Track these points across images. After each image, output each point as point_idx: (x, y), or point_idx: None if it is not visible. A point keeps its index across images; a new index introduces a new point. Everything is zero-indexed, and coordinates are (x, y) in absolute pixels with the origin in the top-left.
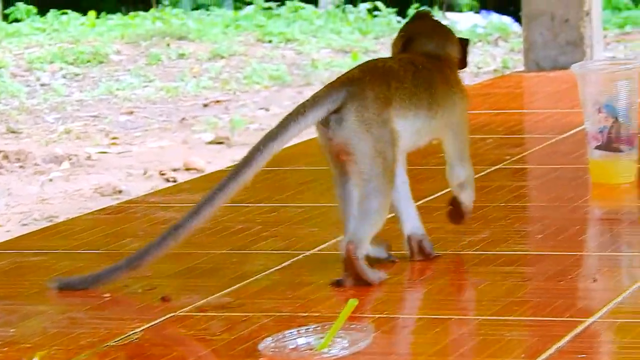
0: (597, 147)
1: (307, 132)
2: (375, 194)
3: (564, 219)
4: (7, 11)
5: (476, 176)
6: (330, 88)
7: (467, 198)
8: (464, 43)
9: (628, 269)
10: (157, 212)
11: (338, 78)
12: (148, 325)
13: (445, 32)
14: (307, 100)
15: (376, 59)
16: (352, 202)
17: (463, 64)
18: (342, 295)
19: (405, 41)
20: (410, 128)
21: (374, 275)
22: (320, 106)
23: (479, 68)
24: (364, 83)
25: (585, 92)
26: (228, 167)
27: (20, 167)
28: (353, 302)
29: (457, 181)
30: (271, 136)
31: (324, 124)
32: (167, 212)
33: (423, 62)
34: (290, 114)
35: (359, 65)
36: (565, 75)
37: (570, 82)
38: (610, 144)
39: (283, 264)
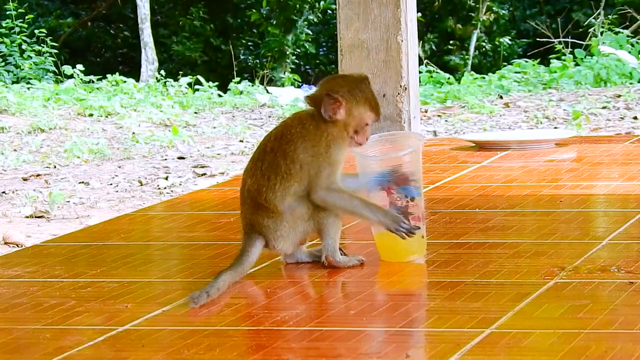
0: None
1: (121, 209)
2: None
3: (375, 295)
4: None
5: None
6: (244, 242)
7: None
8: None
9: (442, 344)
10: None
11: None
12: None
13: (325, 88)
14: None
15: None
16: None
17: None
18: None
19: None
20: (296, 192)
21: (351, 261)
22: (251, 255)
23: None
24: (251, 215)
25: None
26: (46, 242)
27: None
28: None
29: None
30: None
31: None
32: None
33: (277, 134)
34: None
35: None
36: None
37: None
38: None
39: (97, 340)
